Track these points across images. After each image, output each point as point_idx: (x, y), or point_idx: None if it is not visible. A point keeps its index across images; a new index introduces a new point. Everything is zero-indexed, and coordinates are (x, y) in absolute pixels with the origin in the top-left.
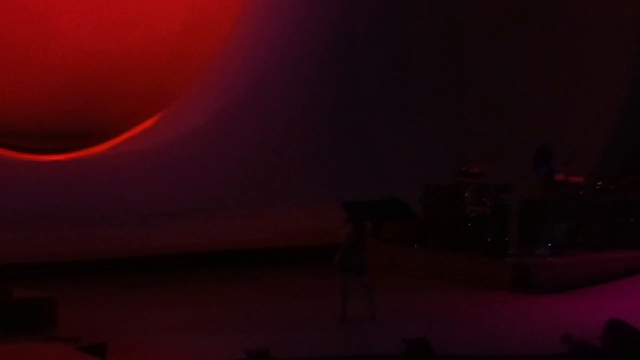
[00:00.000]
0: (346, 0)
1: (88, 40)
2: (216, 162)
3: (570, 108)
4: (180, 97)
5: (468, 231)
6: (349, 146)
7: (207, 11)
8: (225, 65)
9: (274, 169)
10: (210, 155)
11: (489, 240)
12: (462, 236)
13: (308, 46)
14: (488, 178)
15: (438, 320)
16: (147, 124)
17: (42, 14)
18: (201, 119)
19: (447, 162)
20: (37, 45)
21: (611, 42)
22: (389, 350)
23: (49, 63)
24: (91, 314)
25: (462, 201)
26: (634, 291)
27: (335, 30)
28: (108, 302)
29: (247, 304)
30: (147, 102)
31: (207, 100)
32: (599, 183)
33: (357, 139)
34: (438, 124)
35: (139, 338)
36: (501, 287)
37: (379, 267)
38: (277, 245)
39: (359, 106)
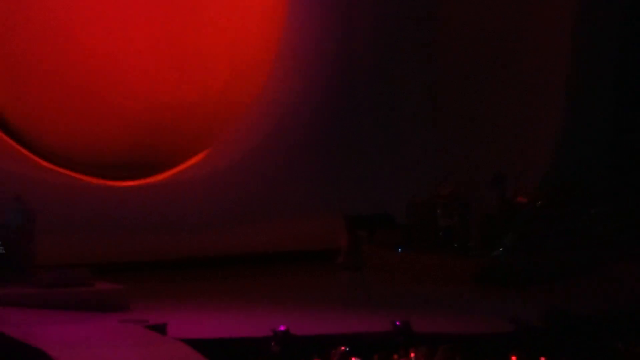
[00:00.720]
0: (343, 41)
1: (151, 91)
2: (249, 186)
3: (517, 133)
4: (221, 138)
5: (440, 238)
6: (350, 172)
7: (244, 68)
8: (257, 112)
9: (292, 192)
10: (245, 181)
11: (455, 244)
12: (436, 241)
13: (321, 92)
14: (455, 197)
15: (416, 306)
16: (196, 158)
17: (117, 72)
18: (237, 154)
19: (424, 180)
20: (112, 95)
21: (547, 74)
22: (380, 329)
23: (121, 110)
24: (157, 301)
25: (436, 215)
26: (565, 288)
27: (338, 72)
28: (169, 293)
29: (268, 294)
30: (196, 141)
31: (242, 139)
32: (539, 202)
33: (356, 166)
34: (417, 148)
35: (190, 319)
36: (464, 280)
37: (373, 266)
38: (293, 249)
39: (357, 137)
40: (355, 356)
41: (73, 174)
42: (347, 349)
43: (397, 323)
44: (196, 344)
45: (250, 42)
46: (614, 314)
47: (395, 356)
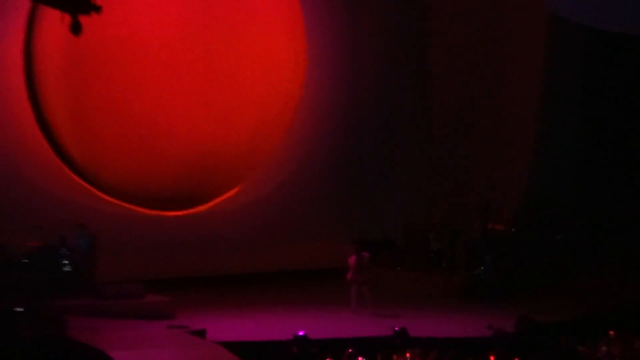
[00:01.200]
0: (350, 96)
1: (194, 139)
2: (273, 216)
3: (496, 166)
4: (250, 177)
5: (431, 259)
6: (356, 203)
7: (269, 120)
8: (279, 155)
9: (309, 220)
10: (269, 212)
11: (444, 264)
12: (428, 262)
13: (333, 137)
14: (445, 224)
15: (411, 315)
16: (230, 193)
17: (167, 124)
18: (263, 190)
19: (418, 208)
20: (162, 142)
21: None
22: (381, 334)
23: (169, 154)
24: (198, 311)
25: (428, 239)
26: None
27: (346, 121)
28: (208, 304)
29: (290, 304)
30: (229, 180)
31: (267, 178)
32: (513, 229)
33: (361, 198)
34: (412, 183)
35: (225, 326)
36: (452, 293)
37: (376, 281)
38: (310, 267)
39: (362, 175)
40: (361, 356)
41: (129, 206)
42: (354, 350)
43: (396, 328)
44: (230, 345)
45: (274, 99)
46: (575, 321)
47: (395, 356)
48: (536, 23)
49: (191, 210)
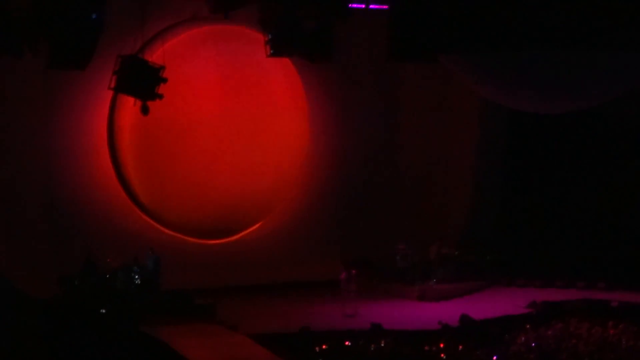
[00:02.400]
0: (341, 156)
1: (232, 186)
2: (288, 243)
3: (446, 208)
4: (271, 214)
5: (398, 273)
6: (346, 234)
7: (284, 174)
8: (291, 199)
9: (313, 247)
10: (286, 240)
11: (407, 278)
12: (395, 275)
13: (330, 188)
14: (408, 249)
15: (384, 314)
16: (256, 226)
17: (212, 176)
18: (281, 224)
19: (389, 238)
20: (208, 189)
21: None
22: (361, 328)
23: (213, 197)
24: (235, 311)
25: (396, 260)
26: (472, 301)
27: (339, 174)
28: (244, 306)
29: (299, 305)
30: (254, 217)
31: (283, 215)
32: (457, 252)
33: (349, 230)
34: (384, 219)
35: (252, 322)
36: (412, 298)
37: (359, 290)
38: (314, 279)
39: (351, 214)
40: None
41: (182, 236)
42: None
43: (372, 323)
44: (258, 337)
45: (285, 159)
46: (499, 317)
47: (373, 345)
48: (472, 104)
49: (227, 239)
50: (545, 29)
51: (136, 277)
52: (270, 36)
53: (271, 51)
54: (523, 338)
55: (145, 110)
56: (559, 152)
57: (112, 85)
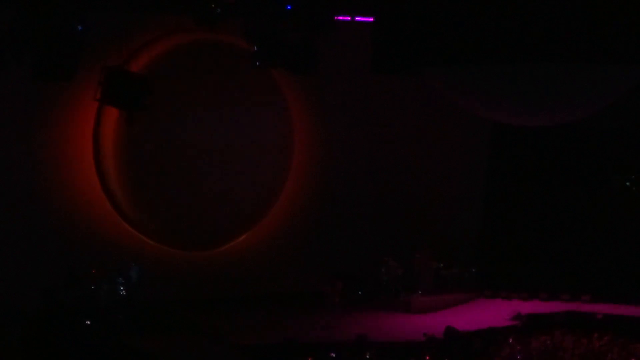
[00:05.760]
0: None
1: (216, 200)
2: (272, 255)
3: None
4: (254, 227)
5: (383, 286)
6: (331, 248)
7: (266, 188)
8: (274, 213)
9: (299, 260)
10: (269, 253)
11: (391, 290)
12: (380, 288)
13: (316, 201)
14: (392, 263)
15: (368, 325)
16: (240, 239)
17: (197, 189)
18: (264, 237)
19: (374, 253)
20: (193, 202)
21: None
22: (345, 339)
23: (198, 210)
24: (223, 319)
25: (381, 273)
26: (457, 313)
27: (325, 190)
28: (228, 314)
29: (284, 314)
30: (240, 229)
31: (266, 227)
32: (441, 264)
33: (334, 245)
34: (369, 236)
35: (241, 331)
36: (396, 310)
37: (344, 301)
38: (300, 290)
39: (336, 230)
40: (321, 358)
41: (167, 247)
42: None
43: (357, 335)
44: (242, 348)
45: (271, 172)
46: (484, 329)
47: (357, 357)
48: (455, 117)
49: (213, 251)
50: (530, 42)
51: (121, 288)
52: (255, 48)
53: (256, 63)
54: (508, 350)
55: (130, 121)
56: (543, 165)
57: (98, 96)
